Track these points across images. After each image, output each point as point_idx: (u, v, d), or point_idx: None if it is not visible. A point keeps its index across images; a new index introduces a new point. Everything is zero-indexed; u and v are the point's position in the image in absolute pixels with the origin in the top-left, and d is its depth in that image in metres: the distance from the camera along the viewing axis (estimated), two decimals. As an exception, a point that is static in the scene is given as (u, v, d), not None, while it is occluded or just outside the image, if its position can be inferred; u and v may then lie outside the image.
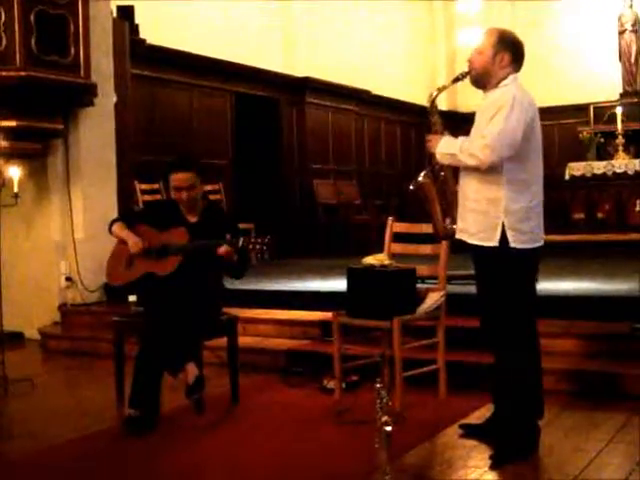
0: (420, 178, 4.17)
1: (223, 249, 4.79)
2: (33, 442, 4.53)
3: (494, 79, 4.04)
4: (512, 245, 3.90)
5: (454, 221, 4.16)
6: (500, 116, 3.86)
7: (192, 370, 4.77)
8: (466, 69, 4.14)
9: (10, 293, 6.78)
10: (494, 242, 3.91)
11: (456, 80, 4.24)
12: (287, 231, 11.81)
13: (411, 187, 4.19)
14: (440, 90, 4.28)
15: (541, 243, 4.03)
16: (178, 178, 5.01)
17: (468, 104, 13.80)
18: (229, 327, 5.17)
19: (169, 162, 5.25)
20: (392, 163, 15.00)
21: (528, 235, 3.95)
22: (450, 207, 4.16)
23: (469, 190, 4.01)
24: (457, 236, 4.13)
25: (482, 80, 4.08)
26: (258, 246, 4.67)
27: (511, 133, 3.84)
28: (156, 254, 4.92)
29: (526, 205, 3.94)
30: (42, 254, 7.89)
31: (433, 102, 4.23)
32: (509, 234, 3.89)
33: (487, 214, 3.93)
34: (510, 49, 4.06)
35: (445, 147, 4.04)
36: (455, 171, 4.15)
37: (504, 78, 4.03)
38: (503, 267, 3.94)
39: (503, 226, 3.90)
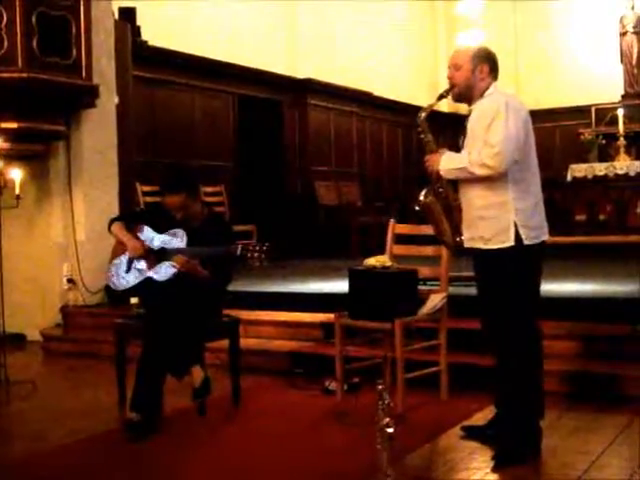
0: (422, 197, 4.17)
1: (179, 262, 4.80)
2: (34, 444, 4.53)
3: (477, 91, 4.11)
4: (526, 243, 3.94)
5: (460, 234, 4.16)
6: (498, 123, 3.89)
7: (198, 373, 4.78)
8: (448, 86, 4.18)
9: (12, 295, 6.79)
10: (511, 242, 3.94)
11: (441, 97, 4.26)
12: (288, 233, 11.82)
13: (416, 208, 4.20)
14: (427, 109, 4.26)
15: (547, 236, 4.09)
16: (169, 201, 5.00)
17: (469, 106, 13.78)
18: (231, 329, 5.17)
19: (161, 183, 5.22)
20: (393, 165, 15.00)
21: (536, 231, 4.01)
22: (457, 220, 4.16)
23: (475, 198, 4.03)
24: (467, 245, 4.13)
25: (466, 94, 4.15)
26: (256, 254, 4.65)
27: (515, 137, 3.89)
28: (155, 257, 4.92)
29: (531, 202, 4.00)
30: (44, 256, 7.90)
31: (423, 122, 4.23)
32: (521, 232, 3.94)
33: (498, 218, 3.96)
34: (487, 60, 4.13)
35: (450, 163, 4.05)
36: (454, 184, 4.16)
37: (487, 88, 4.10)
38: (517, 264, 3.97)
39: (515, 225, 3.94)
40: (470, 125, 4.09)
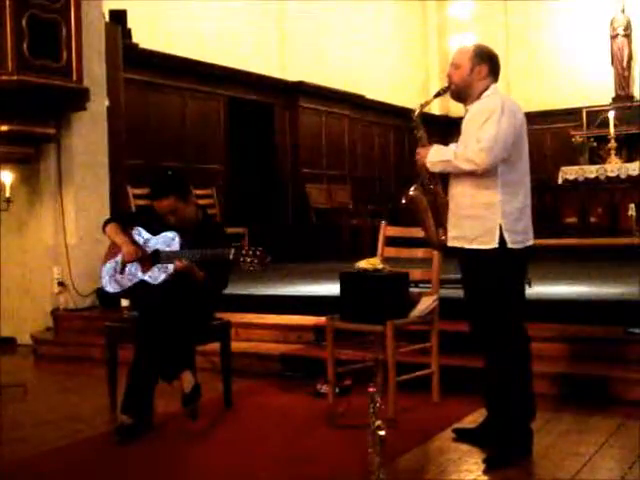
0: (411, 191, 4.18)
1: (179, 264, 4.77)
2: (25, 447, 4.51)
3: (475, 91, 4.09)
4: (509, 246, 3.93)
5: (445, 231, 4.16)
6: (492, 121, 3.89)
7: (188, 379, 4.75)
8: (446, 84, 4.18)
9: (2, 298, 6.77)
10: (494, 244, 3.93)
11: (437, 95, 4.29)
12: (280, 235, 11.81)
13: (403, 200, 4.20)
14: (423, 105, 4.29)
15: (532, 242, 4.07)
16: (159, 206, 4.95)
17: (460, 109, 13.79)
18: (222, 332, 5.15)
19: (150, 189, 5.19)
20: (385, 167, 15.01)
21: (521, 235, 3.99)
22: (442, 218, 4.16)
23: (463, 196, 4.03)
24: (451, 244, 4.13)
25: (463, 93, 4.13)
26: (249, 259, 4.63)
27: (504, 136, 3.88)
28: (149, 260, 4.90)
29: (519, 206, 3.98)
30: (34, 259, 7.87)
31: (417, 118, 4.24)
32: (506, 235, 3.93)
33: (484, 218, 3.95)
34: (487, 61, 4.12)
35: (436, 155, 4.06)
36: (444, 183, 4.17)
37: (485, 89, 4.09)
38: (501, 268, 3.96)
39: (500, 228, 3.92)
40: (464, 125, 4.09)
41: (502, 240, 3.92)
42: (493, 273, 3.98)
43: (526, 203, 4.03)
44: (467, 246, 4.02)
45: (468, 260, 4.08)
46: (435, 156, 4.05)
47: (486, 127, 3.89)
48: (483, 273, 4.02)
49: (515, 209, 3.96)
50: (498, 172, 3.92)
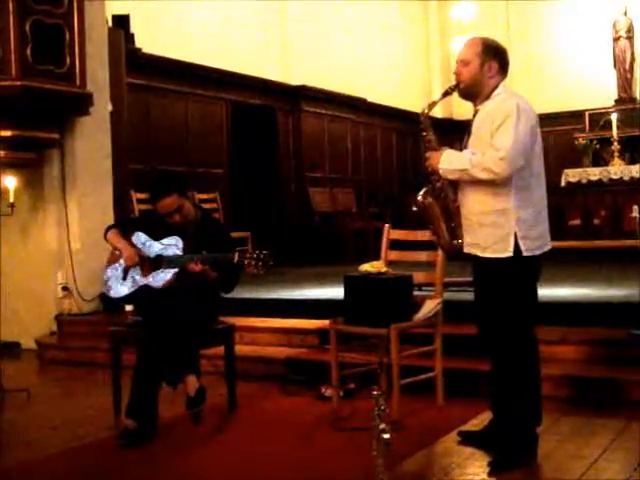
0: (420, 197, 4.05)
1: (194, 267, 4.75)
2: (29, 452, 4.52)
3: (485, 89, 3.97)
4: (525, 254, 3.83)
5: (459, 237, 4.05)
6: (509, 126, 3.76)
7: (193, 382, 4.75)
8: (454, 82, 4.06)
9: (6, 303, 6.78)
10: (508, 252, 3.83)
11: (445, 94, 4.14)
12: (283, 239, 11.82)
13: (414, 208, 4.10)
14: (431, 106, 4.16)
15: (550, 247, 3.98)
16: (163, 205, 4.93)
17: (463, 112, 13.80)
18: (226, 336, 5.16)
19: (149, 192, 5.17)
20: (388, 171, 15.01)
21: (538, 241, 3.90)
22: (456, 222, 4.04)
23: (475, 203, 3.92)
24: (466, 251, 4.02)
25: (472, 92, 4.01)
26: (254, 262, 4.63)
27: (522, 143, 3.76)
28: (151, 265, 4.90)
29: (534, 211, 3.89)
30: (38, 264, 7.88)
31: (426, 119, 4.13)
32: (521, 243, 3.82)
33: (497, 226, 3.85)
34: (497, 57, 4.00)
35: (450, 162, 3.91)
36: (454, 185, 4.03)
37: (495, 87, 3.97)
38: (515, 276, 3.88)
39: (515, 236, 3.83)
40: (476, 126, 3.96)
41: (517, 248, 3.82)
42: (507, 282, 3.90)
43: (541, 207, 3.93)
44: (481, 254, 3.92)
45: (482, 268, 3.99)
46: (449, 163, 3.91)
47: (503, 133, 3.76)
48: (497, 282, 3.93)
49: (530, 215, 3.86)
50: (512, 177, 3.80)
